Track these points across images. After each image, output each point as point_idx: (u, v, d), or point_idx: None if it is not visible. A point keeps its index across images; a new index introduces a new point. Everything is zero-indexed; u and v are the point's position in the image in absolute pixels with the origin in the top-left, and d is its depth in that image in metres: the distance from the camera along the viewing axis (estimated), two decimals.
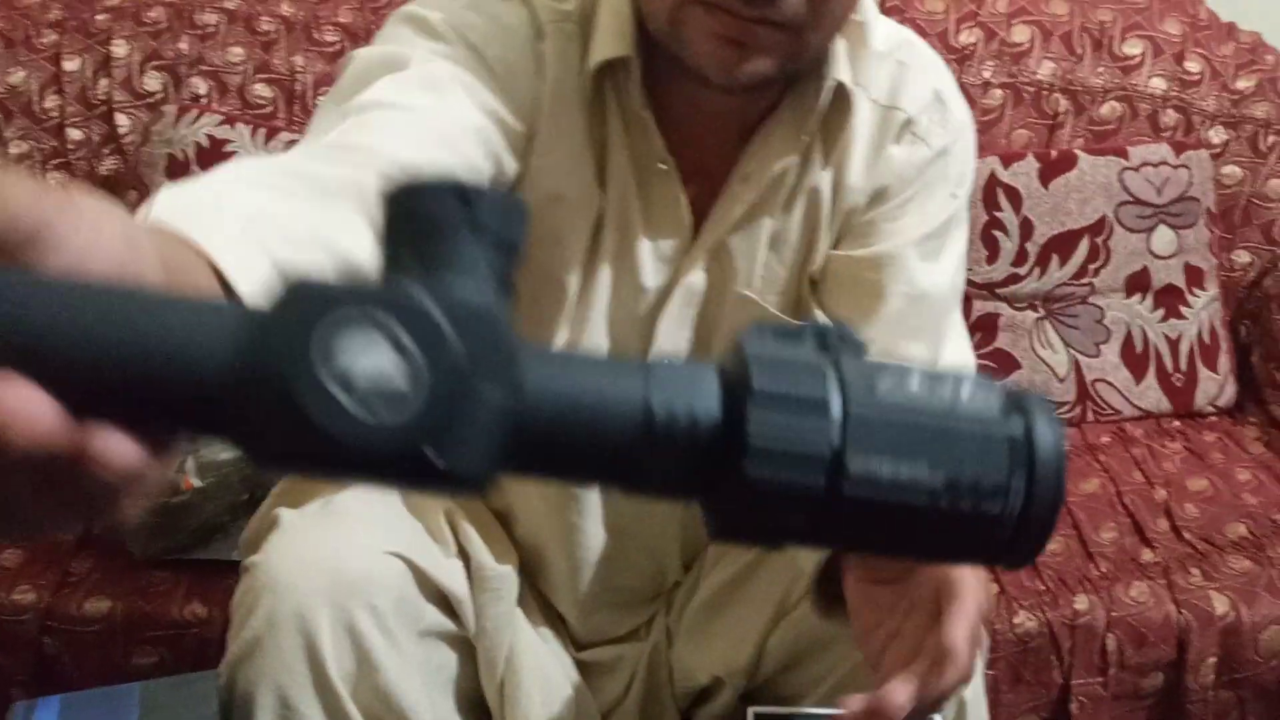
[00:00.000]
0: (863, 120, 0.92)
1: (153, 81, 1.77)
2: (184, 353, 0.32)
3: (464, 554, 0.93)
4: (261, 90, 1.78)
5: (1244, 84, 1.88)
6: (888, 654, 0.76)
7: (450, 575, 0.91)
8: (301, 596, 0.83)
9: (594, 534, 0.99)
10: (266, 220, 0.57)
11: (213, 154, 1.68)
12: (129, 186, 1.74)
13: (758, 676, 1.01)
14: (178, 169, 1.68)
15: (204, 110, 1.72)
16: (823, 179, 0.93)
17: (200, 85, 1.77)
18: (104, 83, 1.77)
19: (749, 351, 0.35)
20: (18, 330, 0.31)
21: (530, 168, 0.86)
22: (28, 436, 0.30)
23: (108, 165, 1.77)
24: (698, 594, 1.04)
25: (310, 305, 0.32)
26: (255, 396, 0.31)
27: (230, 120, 1.71)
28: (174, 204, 0.52)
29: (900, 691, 0.69)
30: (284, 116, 1.77)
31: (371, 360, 0.31)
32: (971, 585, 0.73)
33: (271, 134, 1.71)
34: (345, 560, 0.85)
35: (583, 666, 1.04)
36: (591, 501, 0.98)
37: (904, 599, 0.76)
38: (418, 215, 0.34)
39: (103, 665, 1.31)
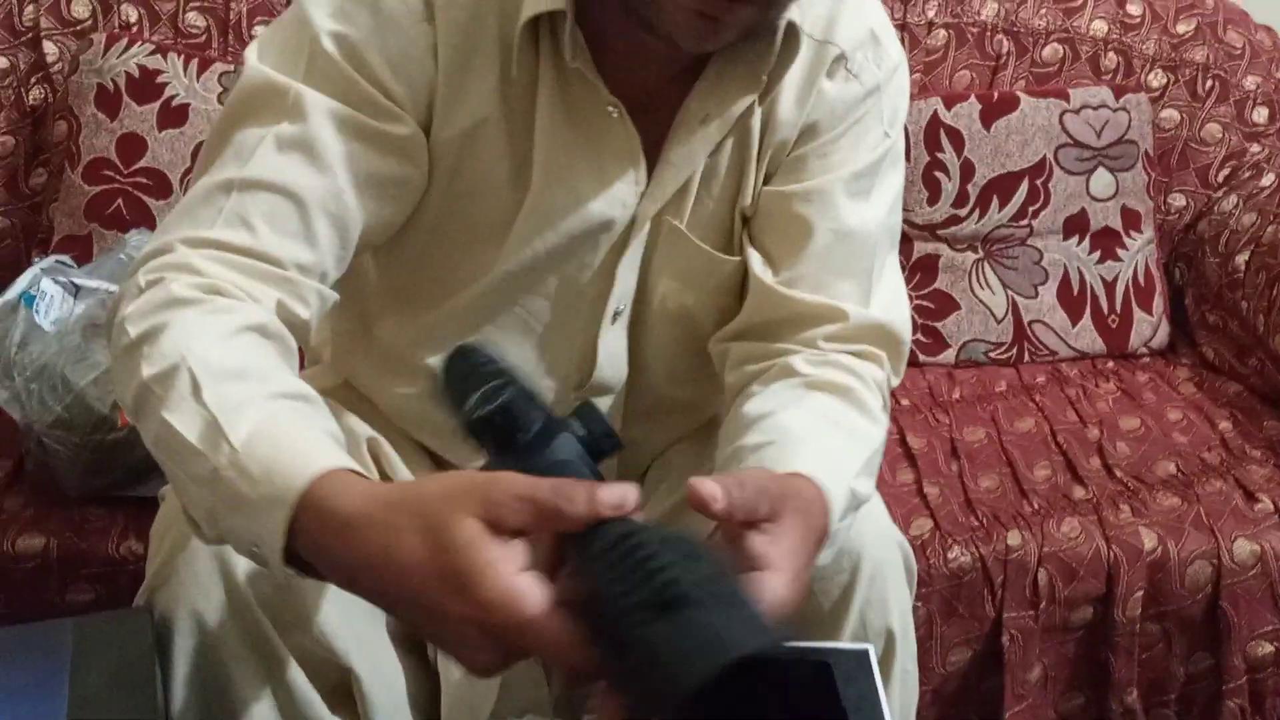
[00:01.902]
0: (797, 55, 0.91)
1: (81, 8, 1.72)
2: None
3: (387, 482, 0.93)
4: (194, 19, 1.74)
5: (1184, 28, 1.89)
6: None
7: None
8: None
9: None
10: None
11: (143, 85, 1.65)
12: (58, 116, 1.69)
13: None
14: (107, 99, 1.64)
15: (134, 39, 1.68)
16: (754, 114, 0.93)
17: (131, 12, 1.72)
18: (30, 9, 1.72)
19: None
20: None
21: (439, 134, 0.89)
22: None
23: (35, 95, 1.72)
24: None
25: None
26: None
27: (162, 50, 1.67)
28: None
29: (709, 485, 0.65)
30: (218, 47, 1.73)
31: None
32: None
33: (204, 65, 1.67)
34: None
35: None
36: None
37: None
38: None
39: (37, 603, 1.30)
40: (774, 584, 0.65)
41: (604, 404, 1.00)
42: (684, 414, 1.09)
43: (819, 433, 0.84)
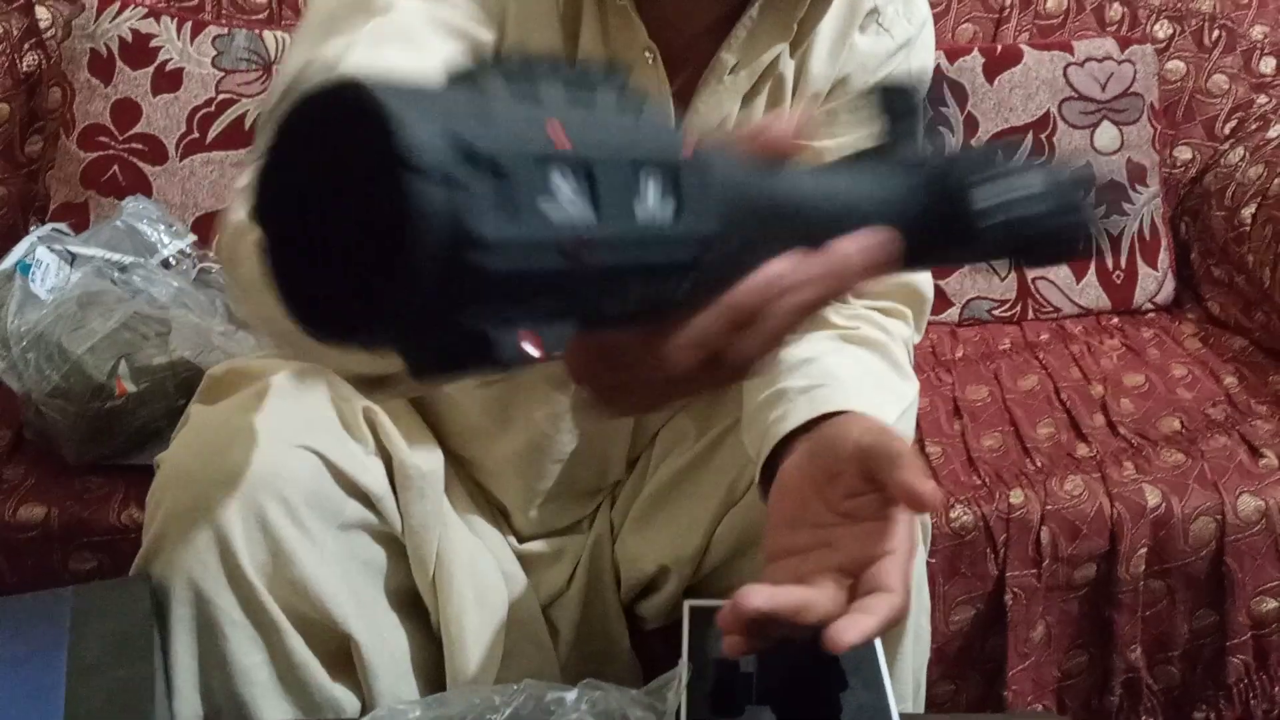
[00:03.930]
0: (830, 7, 0.90)
1: None
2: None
3: (385, 453, 0.92)
4: None
5: None
6: (788, 564, 0.71)
7: (368, 472, 0.89)
8: (207, 488, 0.82)
9: (560, 442, 1.00)
10: None
11: (137, 50, 1.63)
12: (52, 83, 1.68)
13: (704, 566, 1.01)
14: (100, 65, 1.63)
15: (127, 3, 1.66)
16: (788, 66, 0.92)
17: None
18: None
19: None
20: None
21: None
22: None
23: (29, 61, 1.71)
24: (645, 487, 1.04)
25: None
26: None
27: (155, 14, 1.66)
28: None
29: (759, 595, 0.63)
30: (211, 10, 1.71)
31: None
32: (909, 542, 0.69)
33: (198, 28, 1.66)
34: (252, 452, 0.83)
35: (524, 558, 1.04)
36: (558, 411, 0.98)
37: (834, 520, 0.71)
38: None
39: (40, 572, 1.30)
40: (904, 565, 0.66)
41: None
42: None
43: (863, 382, 0.83)
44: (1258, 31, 1.87)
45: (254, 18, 1.73)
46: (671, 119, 0.41)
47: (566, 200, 0.34)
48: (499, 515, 1.05)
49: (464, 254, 0.31)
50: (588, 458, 1.02)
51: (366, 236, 0.32)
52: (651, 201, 0.37)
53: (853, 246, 0.46)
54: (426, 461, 0.93)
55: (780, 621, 0.63)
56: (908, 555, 0.68)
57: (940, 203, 0.51)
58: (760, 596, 0.63)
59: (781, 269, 0.44)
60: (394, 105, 0.31)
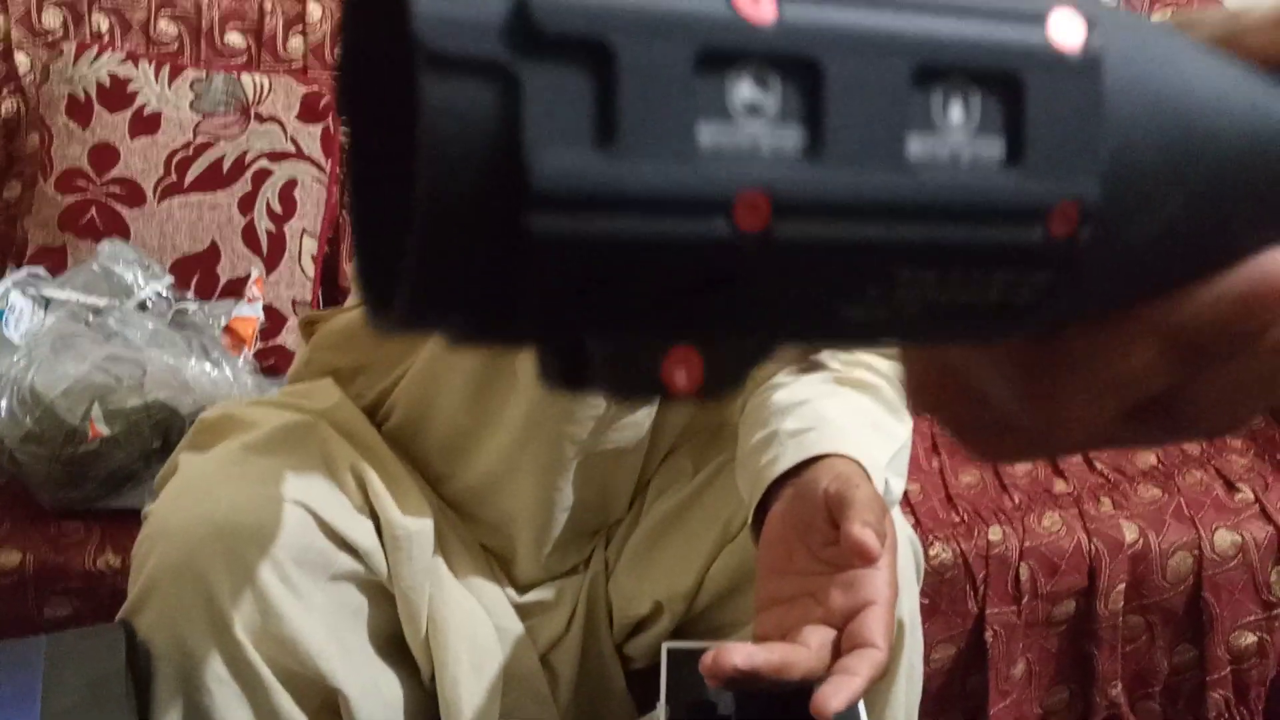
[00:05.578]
0: None
1: (52, 18, 1.71)
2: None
3: (373, 512, 0.92)
4: (166, 27, 1.73)
5: (1159, 18, 1.89)
6: (775, 614, 0.72)
7: (356, 528, 0.89)
8: (194, 544, 0.81)
9: (565, 491, 0.99)
10: None
11: (115, 94, 1.64)
12: (30, 127, 1.68)
13: (698, 603, 1.01)
14: (78, 109, 1.63)
15: (105, 48, 1.67)
16: None
17: (102, 21, 1.71)
18: (0, 20, 1.71)
19: None
20: None
21: None
22: None
23: (7, 106, 1.71)
24: (640, 525, 1.03)
25: None
26: None
27: (133, 58, 1.66)
28: None
29: (738, 654, 0.64)
30: (190, 54, 1.72)
31: None
32: (889, 590, 0.71)
33: (176, 72, 1.66)
34: (241, 507, 0.83)
35: (523, 608, 1.03)
36: (567, 462, 0.98)
37: (817, 568, 0.73)
38: None
39: (15, 618, 1.29)
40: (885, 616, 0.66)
41: (640, 415, 0.97)
42: (700, 416, 1.07)
43: (855, 423, 0.83)
44: None
45: (232, 61, 1.74)
46: None
47: (749, 122, 0.19)
48: (497, 568, 1.04)
49: (510, 207, 0.18)
50: (594, 501, 1.02)
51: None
52: (953, 131, 0.21)
53: None
54: (415, 522, 0.92)
55: (762, 678, 0.64)
56: (888, 604, 0.69)
57: None
58: (740, 655, 0.64)
59: None
60: None
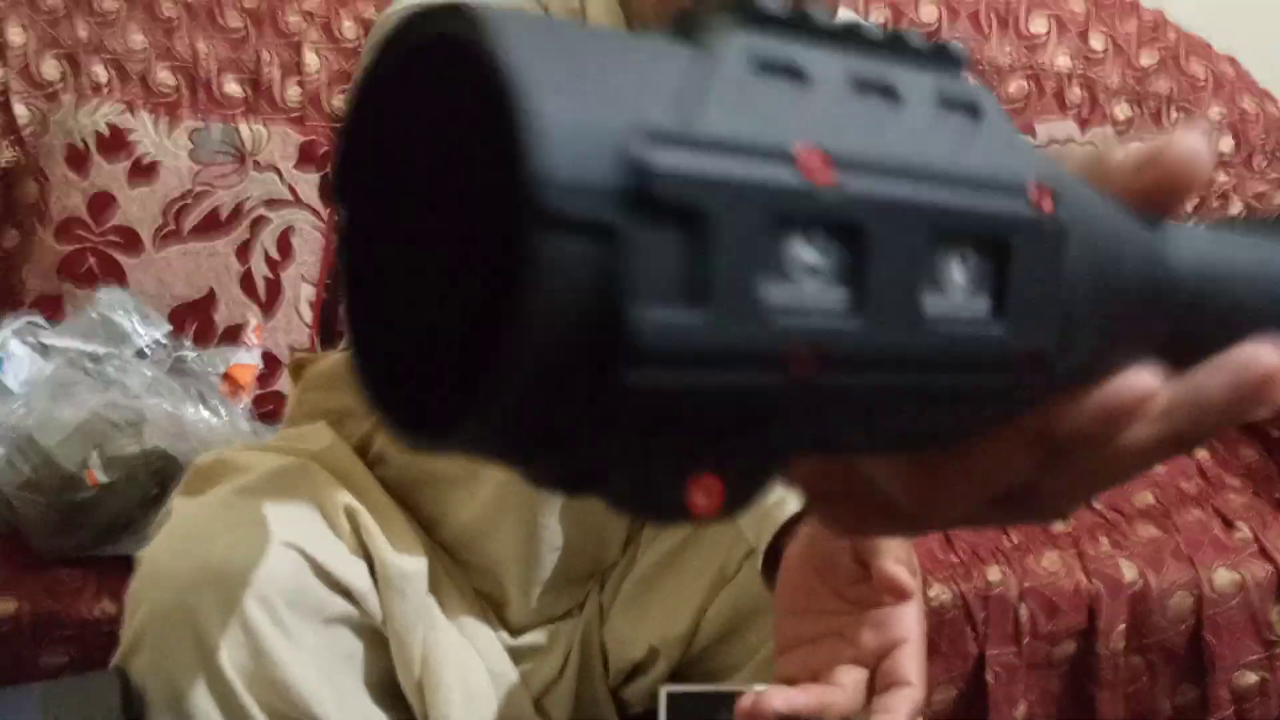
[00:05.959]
0: None
1: (50, 69, 1.73)
2: None
3: (367, 554, 0.92)
4: (165, 77, 1.74)
5: (1147, 60, 1.91)
6: (799, 655, 0.72)
7: (350, 569, 0.89)
8: (186, 587, 0.81)
9: (553, 529, 0.99)
10: None
11: (114, 143, 1.65)
12: (29, 177, 1.69)
13: (694, 647, 1.00)
14: (77, 158, 1.64)
15: (104, 97, 1.68)
16: None
17: (100, 72, 1.73)
18: (0, 71, 1.72)
19: None
20: None
21: None
22: None
23: (7, 156, 1.72)
24: (635, 569, 1.03)
25: None
26: None
27: (131, 107, 1.67)
28: None
29: (777, 698, 0.64)
30: (188, 103, 1.74)
31: None
32: (919, 627, 0.71)
33: (175, 121, 1.68)
34: (234, 550, 0.83)
35: (516, 652, 1.03)
36: (552, 498, 0.97)
37: (842, 607, 0.73)
38: None
39: (11, 666, 1.28)
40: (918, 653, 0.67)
41: None
42: None
43: None
44: (1214, 112, 1.92)
45: (230, 110, 1.75)
46: (1022, 140, 0.25)
47: (806, 282, 0.21)
48: (490, 612, 1.04)
49: (606, 361, 0.19)
50: (585, 544, 1.02)
51: (470, 275, 0.21)
52: (955, 290, 0.23)
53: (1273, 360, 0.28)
54: (409, 563, 0.92)
55: None
56: (920, 641, 0.69)
57: None
58: (779, 699, 0.64)
59: (1143, 387, 0.27)
60: (522, 63, 0.18)
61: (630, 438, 0.20)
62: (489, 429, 0.20)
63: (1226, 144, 1.91)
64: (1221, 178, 1.90)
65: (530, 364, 0.19)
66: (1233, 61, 1.97)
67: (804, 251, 0.21)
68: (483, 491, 0.97)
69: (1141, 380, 0.27)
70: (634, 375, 0.19)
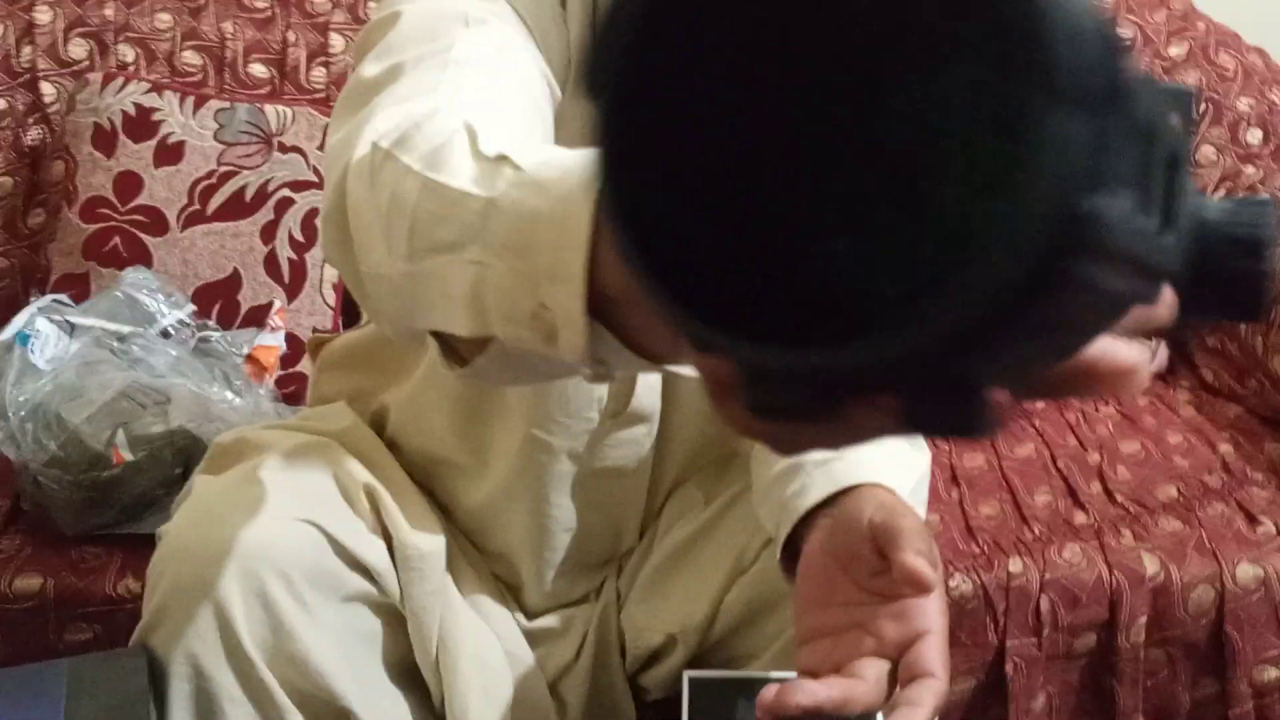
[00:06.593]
0: None
1: (78, 49, 1.73)
2: None
3: (386, 533, 0.92)
4: (190, 58, 1.75)
5: (1175, 51, 1.90)
6: (821, 646, 0.73)
7: (369, 547, 0.89)
8: (207, 563, 0.82)
9: (566, 509, 0.99)
10: None
11: (140, 123, 1.65)
12: (55, 156, 1.70)
13: (711, 635, 1.00)
14: (103, 138, 1.65)
15: (131, 78, 1.69)
16: None
17: (127, 52, 1.73)
18: (28, 50, 1.73)
19: None
20: None
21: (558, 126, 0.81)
22: None
23: (33, 135, 1.73)
24: (652, 556, 1.03)
25: None
26: None
27: (158, 88, 1.68)
28: None
29: (800, 691, 0.65)
30: (214, 84, 1.74)
31: None
32: (942, 618, 0.71)
33: (200, 102, 1.68)
34: (254, 526, 0.83)
35: (532, 634, 1.03)
36: (563, 475, 0.97)
37: (863, 598, 0.73)
38: None
39: (35, 643, 1.29)
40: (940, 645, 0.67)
41: (638, 433, 0.98)
42: (708, 446, 1.08)
43: (879, 453, 0.83)
44: (1244, 104, 1.90)
45: (256, 92, 1.76)
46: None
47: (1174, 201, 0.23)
48: (507, 593, 1.04)
49: (1084, 238, 0.20)
50: (601, 527, 1.02)
51: (883, 169, 0.21)
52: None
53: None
54: (428, 542, 0.92)
55: (823, 714, 0.64)
56: (943, 633, 0.69)
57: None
58: (803, 692, 0.64)
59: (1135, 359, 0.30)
60: None
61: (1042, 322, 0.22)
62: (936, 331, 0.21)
63: (1255, 136, 1.90)
64: (1250, 170, 1.89)
65: (1029, 239, 0.20)
66: (1262, 53, 1.95)
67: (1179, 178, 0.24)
68: (490, 479, 0.98)
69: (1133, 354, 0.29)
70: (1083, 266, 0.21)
